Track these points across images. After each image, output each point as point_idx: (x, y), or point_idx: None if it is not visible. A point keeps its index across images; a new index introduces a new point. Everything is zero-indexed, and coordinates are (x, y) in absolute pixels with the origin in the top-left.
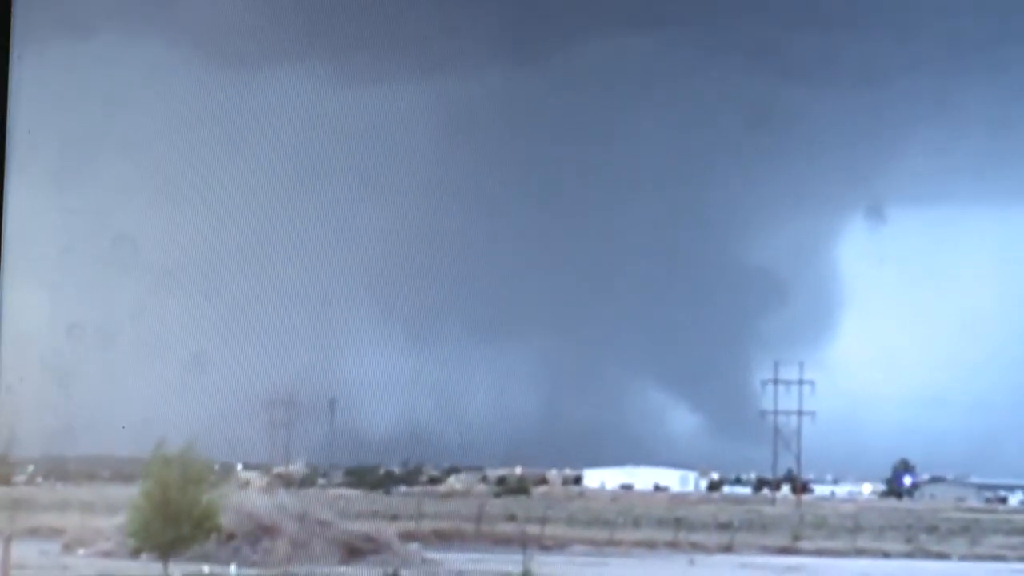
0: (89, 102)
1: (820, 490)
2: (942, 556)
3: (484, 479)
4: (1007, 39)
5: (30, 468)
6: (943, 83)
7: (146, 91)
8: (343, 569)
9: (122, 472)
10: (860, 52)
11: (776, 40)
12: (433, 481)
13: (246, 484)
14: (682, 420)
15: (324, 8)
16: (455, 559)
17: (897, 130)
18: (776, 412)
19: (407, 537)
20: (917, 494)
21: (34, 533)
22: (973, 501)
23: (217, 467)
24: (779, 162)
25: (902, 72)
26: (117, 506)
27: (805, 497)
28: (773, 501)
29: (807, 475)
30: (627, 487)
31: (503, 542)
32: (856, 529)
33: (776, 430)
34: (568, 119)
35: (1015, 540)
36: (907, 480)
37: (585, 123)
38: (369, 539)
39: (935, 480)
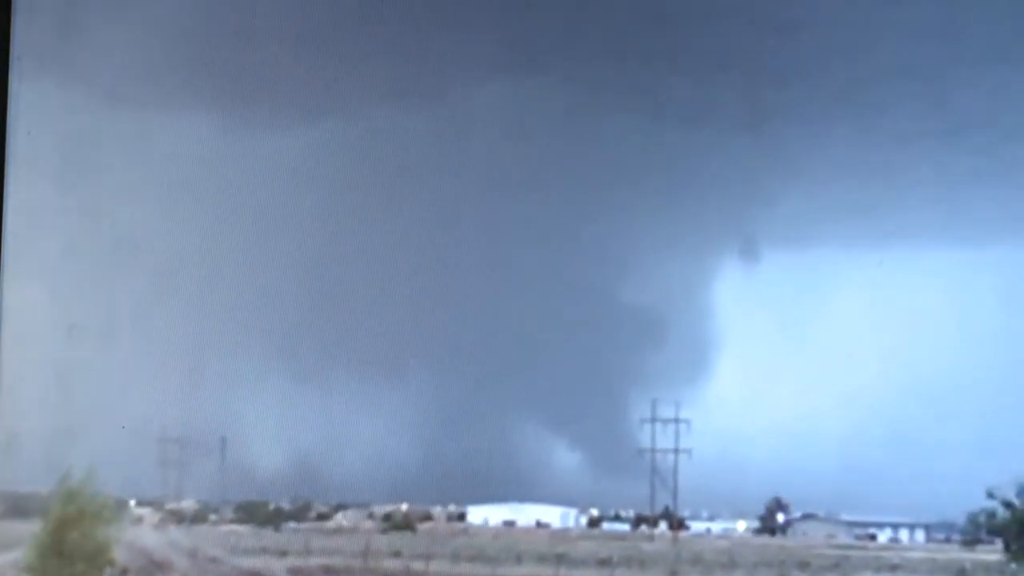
0: None
1: (696, 527)
2: None
3: (371, 516)
4: (877, 82)
5: None
6: (817, 127)
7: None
8: None
9: (18, 507)
10: (737, 95)
11: (654, 82)
12: (321, 517)
13: (139, 520)
14: (563, 458)
15: (213, 54)
16: None
17: (773, 173)
18: (653, 450)
19: (296, 573)
20: (790, 531)
21: None
22: (844, 538)
23: (112, 503)
24: (657, 203)
25: (777, 116)
26: (13, 542)
27: (682, 534)
28: (651, 537)
29: (684, 512)
30: (510, 523)
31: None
32: (731, 565)
33: (653, 468)
34: (453, 161)
35: None
36: (780, 517)
37: (471, 164)
38: (258, 575)
39: (807, 517)
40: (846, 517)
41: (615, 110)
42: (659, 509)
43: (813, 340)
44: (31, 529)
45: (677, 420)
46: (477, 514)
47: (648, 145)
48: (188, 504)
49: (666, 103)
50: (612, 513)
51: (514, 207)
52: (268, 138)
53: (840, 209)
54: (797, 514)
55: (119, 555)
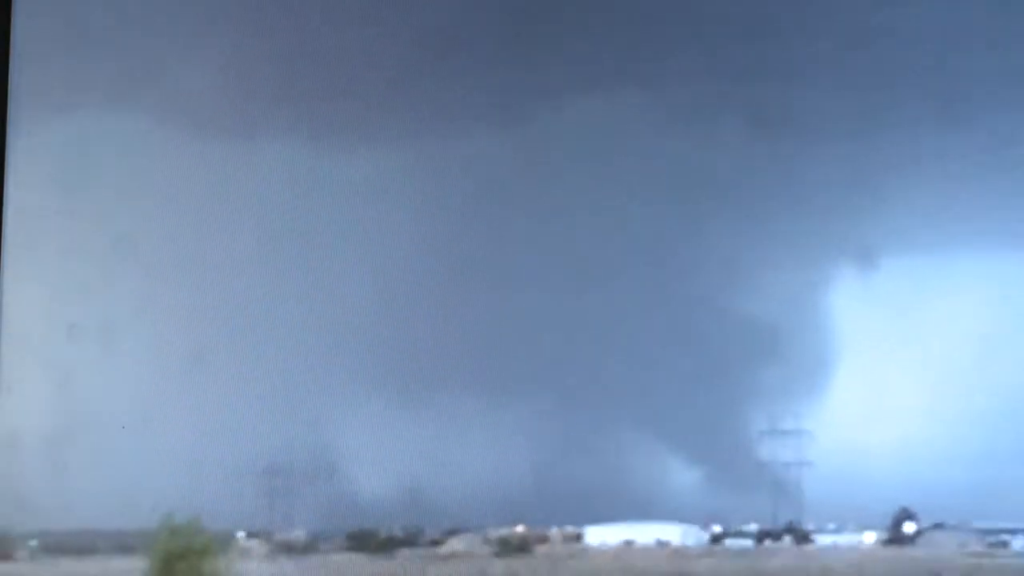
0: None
1: (822, 540)
2: None
3: (485, 539)
4: (989, 88)
5: (32, 543)
6: (932, 130)
7: (128, 162)
8: None
9: (122, 545)
10: (847, 104)
11: (763, 94)
12: (435, 543)
13: (247, 553)
14: (681, 474)
15: (305, 78)
16: None
17: (887, 178)
18: (775, 463)
19: None
20: (920, 541)
21: None
22: (976, 546)
23: (219, 537)
24: (769, 212)
25: (889, 124)
26: None
27: (807, 548)
28: (776, 552)
29: (808, 525)
30: (629, 543)
31: None
32: None
33: (776, 481)
34: (555, 177)
35: None
36: (909, 527)
37: (573, 181)
38: None
39: (937, 526)
40: (978, 524)
41: (717, 120)
42: (782, 523)
43: (937, 344)
44: (138, 566)
45: (798, 432)
46: (595, 534)
47: (754, 155)
48: (298, 534)
49: (772, 112)
50: (735, 529)
51: (620, 223)
52: (357, 160)
53: (960, 211)
54: (926, 523)
55: None
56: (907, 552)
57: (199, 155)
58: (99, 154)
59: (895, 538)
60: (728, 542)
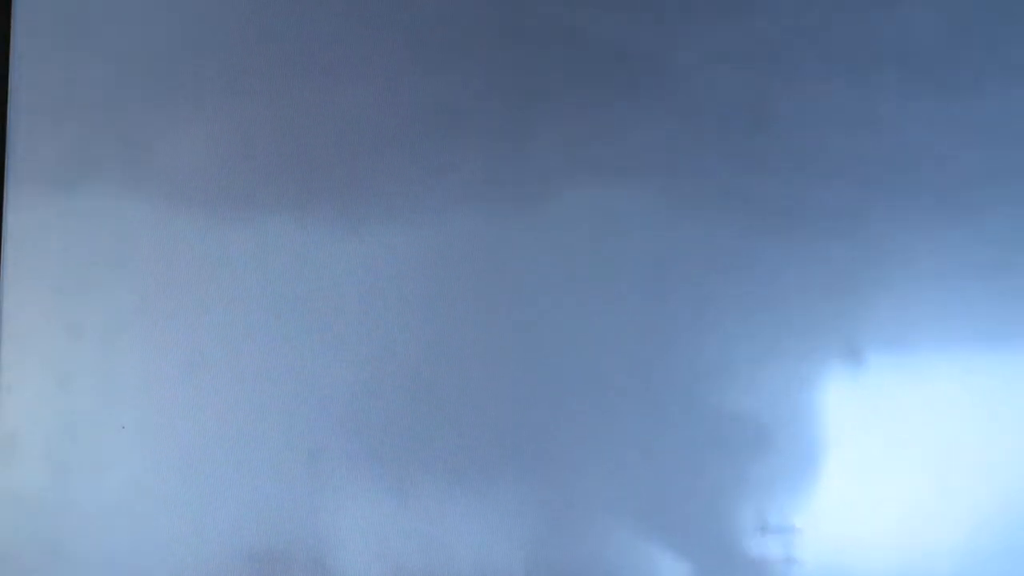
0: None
1: None
2: None
3: None
4: (974, 184)
5: None
6: (916, 229)
7: (135, 240)
8: None
9: None
10: (828, 201)
11: (747, 190)
12: None
13: None
14: (670, 570)
15: (298, 148)
16: None
17: (871, 276)
18: (763, 560)
19: None
20: None
21: None
22: None
23: None
24: (756, 309)
25: (870, 222)
26: None
27: None
28: None
29: None
30: None
31: None
32: None
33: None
34: (547, 265)
35: None
36: None
37: (566, 270)
38: None
39: None
40: None
41: (711, 213)
42: None
43: (925, 442)
44: None
45: (787, 528)
46: None
47: (741, 250)
48: None
49: (761, 208)
50: None
51: (607, 314)
52: (350, 240)
53: (942, 310)
54: None
55: None
56: None
57: (189, 229)
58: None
59: None
60: None
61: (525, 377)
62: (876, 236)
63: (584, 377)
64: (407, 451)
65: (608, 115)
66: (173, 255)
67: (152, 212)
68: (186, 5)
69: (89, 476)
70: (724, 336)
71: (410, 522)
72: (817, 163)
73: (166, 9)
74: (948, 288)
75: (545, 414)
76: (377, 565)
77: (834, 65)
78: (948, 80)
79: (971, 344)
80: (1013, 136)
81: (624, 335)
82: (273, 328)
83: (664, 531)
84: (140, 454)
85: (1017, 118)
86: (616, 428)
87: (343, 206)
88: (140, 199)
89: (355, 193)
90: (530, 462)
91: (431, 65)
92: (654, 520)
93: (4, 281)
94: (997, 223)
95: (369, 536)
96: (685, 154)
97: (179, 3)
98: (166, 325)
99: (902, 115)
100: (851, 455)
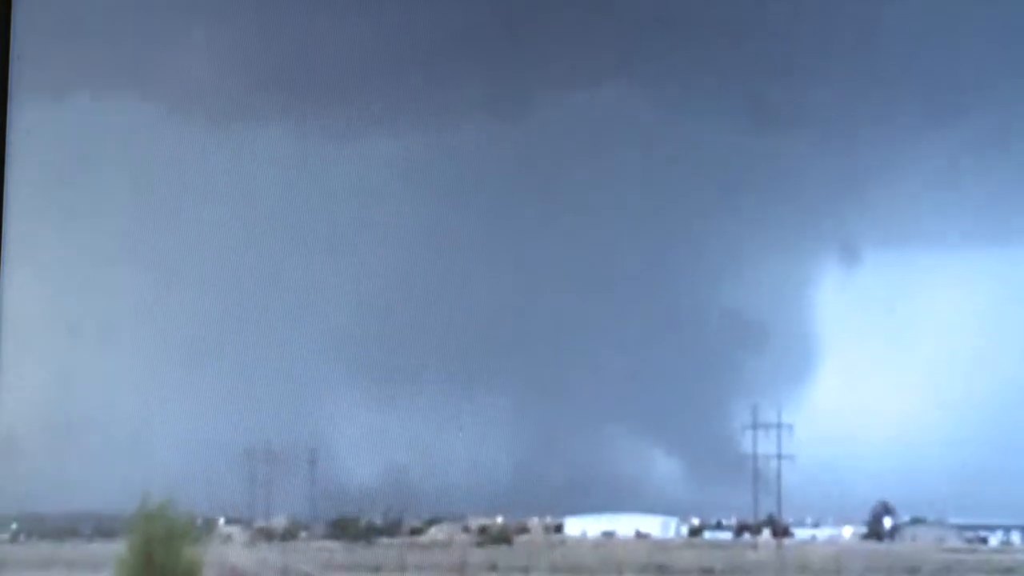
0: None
1: (801, 534)
2: None
3: (466, 529)
4: (972, 88)
5: (13, 526)
6: (914, 126)
7: (124, 149)
8: None
9: (103, 529)
10: (829, 100)
11: (756, 91)
12: (415, 532)
13: (228, 538)
14: (662, 466)
15: (300, 66)
16: None
17: (870, 174)
18: (755, 456)
19: None
20: (898, 536)
21: None
22: (954, 542)
23: (199, 521)
24: (758, 208)
25: (871, 119)
26: (100, 563)
27: (786, 541)
28: (755, 546)
29: (787, 519)
30: (608, 534)
31: None
32: (839, 572)
33: (756, 474)
34: (547, 171)
35: None
36: (887, 522)
37: (561, 176)
38: None
39: (916, 522)
40: (955, 520)
41: (708, 115)
42: (762, 516)
43: (917, 340)
44: (117, 549)
45: (779, 425)
46: (575, 526)
47: (737, 150)
48: (278, 521)
49: (760, 107)
50: (714, 522)
51: (608, 215)
52: (347, 148)
53: (941, 207)
54: (905, 518)
55: (209, 574)
56: (885, 547)
57: (192, 145)
58: (95, 138)
59: (874, 532)
60: (707, 535)
61: (520, 284)
62: (873, 136)
63: (580, 281)
64: (401, 356)
65: (602, 22)
66: (174, 164)
67: (153, 122)
68: None
69: (94, 361)
70: (721, 236)
71: (402, 425)
72: (814, 65)
73: None
74: (944, 187)
75: (540, 320)
76: (368, 466)
77: None
78: None
79: (966, 241)
80: (1003, 40)
81: (622, 238)
82: (275, 236)
83: (658, 428)
84: (144, 355)
85: (1008, 21)
86: (612, 330)
87: (341, 117)
88: (141, 110)
89: (353, 105)
90: (524, 365)
91: None
92: (647, 418)
93: (4, 281)
94: (991, 123)
95: (362, 438)
96: (680, 55)
97: None
98: (170, 232)
99: (899, 20)
100: (846, 352)
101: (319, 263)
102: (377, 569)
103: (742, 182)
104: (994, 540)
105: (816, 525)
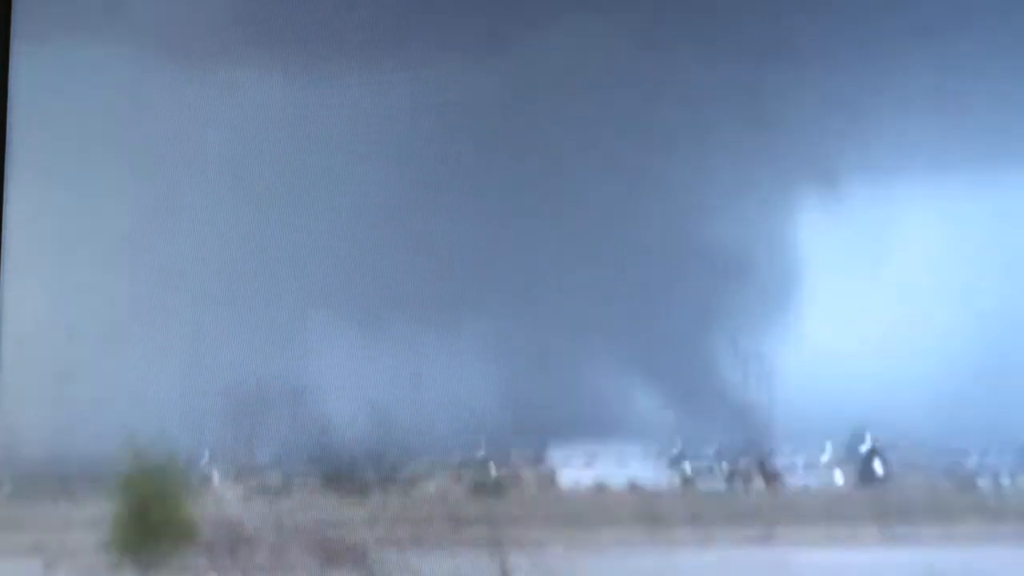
0: (82, 102)
1: (791, 479)
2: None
3: (459, 478)
4: (959, 22)
5: (5, 487)
6: (893, 59)
7: (112, 93)
8: None
9: (98, 487)
10: (808, 30)
11: (721, 21)
12: (408, 483)
13: (223, 493)
14: (644, 400)
15: (283, 7)
16: (433, 561)
17: (848, 104)
18: (741, 386)
19: (384, 542)
20: (889, 481)
21: (12, 552)
22: (945, 484)
23: (194, 478)
24: (736, 134)
25: (852, 48)
26: (96, 522)
27: (777, 487)
28: (746, 491)
29: (777, 462)
30: (601, 487)
31: (479, 543)
32: (831, 517)
33: (742, 405)
34: (527, 106)
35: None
36: (877, 466)
37: (539, 108)
38: (347, 544)
39: (906, 465)
40: (942, 456)
41: (682, 50)
42: (750, 451)
43: (898, 273)
44: (112, 508)
45: (765, 355)
46: (568, 476)
47: (713, 82)
48: (273, 476)
49: (735, 41)
50: (705, 464)
51: (584, 151)
52: (323, 89)
53: (925, 134)
54: (894, 461)
55: (204, 529)
56: (877, 493)
57: (172, 84)
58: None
59: (865, 477)
60: (699, 484)
61: (500, 216)
62: (850, 64)
63: (560, 214)
64: (382, 289)
65: None
66: (162, 108)
67: (139, 68)
68: None
69: (89, 295)
70: (701, 167)
71: (384, 358)
72: None
73: None
74: (929, 112)
75: (521, 251)
76: (352, 401)
77: None
78: None
79: (946, 172)
80: None
81: (602, 171)
82: (255, 177)
83: (639, 362)
84: (127, 294)
85: None
86: (593, 263)
87: (315, 60)
88: (128, 57)
89: (332, 46)
90: (505, 298)
91: None
92: (629, 352)
93: (4, 281)
94: (970, 51)
95: (345, 373)
96: None
97: None
98: (158, 178)
99: None
100: (827, 285)
101: (297, 196)
102: (372, 522)
103: (720, 113)
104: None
105: (807, 468)
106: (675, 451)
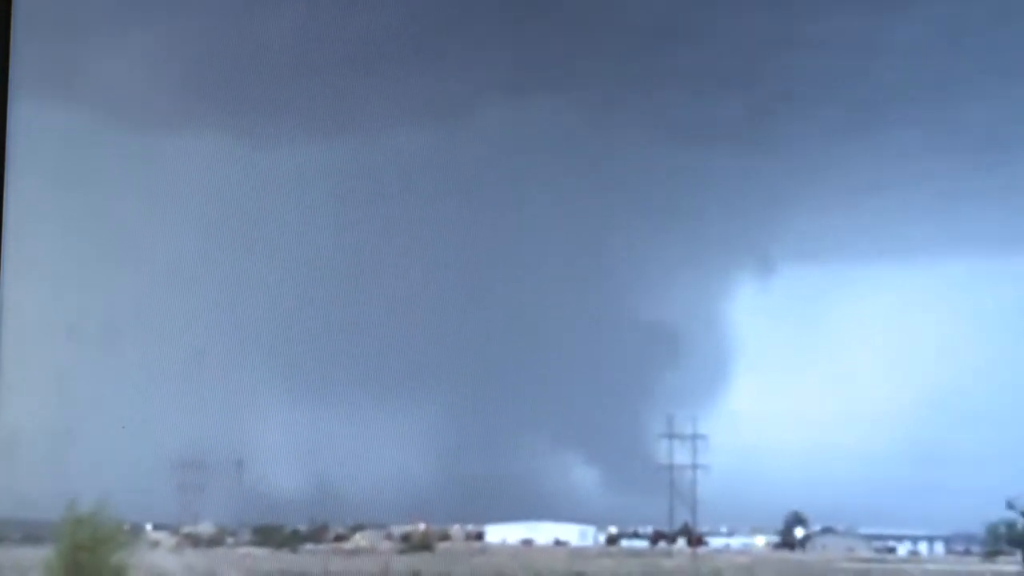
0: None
1: (715, 542)
2: None
3: (389, 536)
4: (889, 100)
5: None
6: (828, 145)
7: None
8: None
9: (32, 535)
10: (745, 112)
11: (660, 100)
12: (339, 539)
13: (155, 544)
14: (580, 476)
15: (225, 72)
16: None
17: (783, 190)
18: (671, 466)
19: None
20: (809, 545)
21: None
22: (863, 551)
23: (127, 527)
24: (668, 220)
25: (786, 134)
26: (28, 568)
27: (701, 550)
28: (670, 554)
29: (702, 527)
30: (528, 542)
31: None
32: None
33: (672, 484)
34: (471, 179)
35: None
36: (799, 532)
37: (486, 183)
38: None
39: (826, 531)
40: (865, 531)
41: (623, 128)
42: (678, 525)
43: (829, 354)
44: (44, 555)
45: (695, 436)
46: (495, 533)
47: (657, 163)
48: (205, 527)
49: (674, 121)
50: (631, 530)
51: (525, 226)
52: (276, 155)
53: (852, 224)
54: (816, 528)
55: None
56: (797, 556)
57: (128, 152)
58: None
59: (786, 541)
60: (624, 543)
61: (438, 292)
62: (788, 152)
63: (495, 291)
64: (329, 362)
65: (523, 33)
66: (117, 171)
67: (94, 128)
68: None
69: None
70: (638, 247)
71: (329, 429)
72: (734, 77)
73: None
74: (860, 202)
75: (459, 326)
76: (296, 470)
77: None
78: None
79: (879, 254)
80: (926, 53)
81: (539, 250)
82: (193, 246)
83: (576, 438)
84: (71, 363)
85: (931, 38)
86: (531, 340)
87: (269, 122)
88: (82, 117)
89: (280, 109)
90: (447, 377)
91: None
92: (566, 428)
93: (4, 281)
94: (909, 136)
95: (289, 442)
96: (594, 69)
97: None
98: (99, 234)
99: (819, 33)
100: (760, 366)
101: (241, 269)
102: (302, 575)
103: (660, 194)
104: (902, 550)
105: (730, 534)
106: (611, 530)
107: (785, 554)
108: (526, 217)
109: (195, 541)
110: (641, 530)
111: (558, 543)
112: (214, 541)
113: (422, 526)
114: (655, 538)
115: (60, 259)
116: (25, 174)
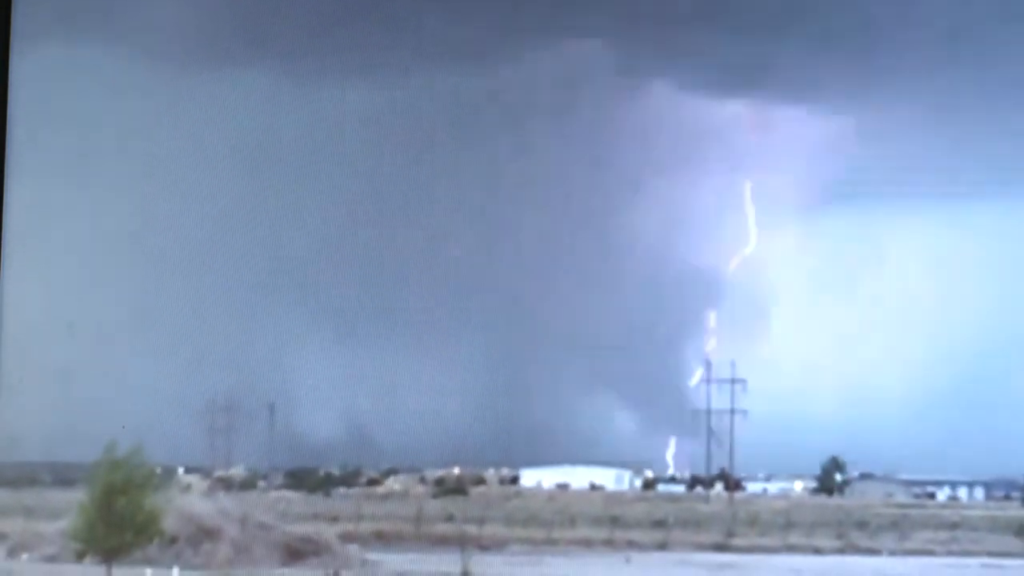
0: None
1: (753, 487)
2: (873, 551)
3: (422, 480)
4: (937, 42)
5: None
6: (871, 85)
7: (109, 94)
8: (284, 571)
9: (63, 477)
10: (795, 61)
11: (709, 49)
12: (372, 483)
13: (188, 488)
14: (617, 420)
15: (271, 12)
16: (395, 560)
17: (831, 129)
18: (709, 411)
19: (347, 538)
20: (848, 490)
21: None
22: (902, 497)
23: (159, 471)
24: (709, 168)
25: (824, 74)
26: (60, 511)
27: (738, 495)
28: (707, 499)
29: (740, 473)
30: (563, 486)
31: (442, 542)
32: (788, 526)
33: (709, 428)
34: (513, 122)
35: (943, 535)
36: (837, 477)
37: (529, 126)
38: (309, 541)
39: (865, 477)
40: (904, 476)
41: (675, 83)
42: (715, 470)
43: (871, 298)
44: (76, 498)
45: (733, 380)
46: (530, 477)
47: (701, 115)
48: (237, 471)
49: (731, 74)
50: (667, 475)
51: (570, 172)
52: (317, 95)
53: (906, 163)
54: (854, 473)
55: (168, 523)
56: (835, 501)
57: (154, 88)
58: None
59: (824, 487)
60: (660, 487)
61: (476, 236)
62: (849, 87)
63: (533, 235)
64: (362, 304)
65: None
66: (150, 109)
67: (133, 68)
68: None
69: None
70: (677, 194)
71: (362, 370)
72: (782, 26)
73: None
74: (908, 142)
75: (497, 269)
76: (328, 415)
77: None
78: None
79: (931, 199)
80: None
81: (577, 193)
82: (226, 190)
83: (614, 382)
84: (100, 305)
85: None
86: (570, 283)
87: (314, 63)
88: (123, 56)
89: (326, 52)
90: (483, 316)
91: None
92: (604, 372)
93: (4, 281)
94: (943, 77)
95: (321, 383)
96: (632, 13)
97: None
98: (144, 180)
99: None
100: (800, 309)
101: (275, 211)
102: (335, 519)
103: (698, 137)
104: (941, 495)
105: (768, 479)
106: (647, 475)
107: (823, 499)
108: (568, 158)
109: (227, 484)
110: (678, 475)
111: (593, 488)
112: (246, 485)
113: (456, 470)
114: (692, 483)
115: (103, 197)
116: (70, 113)
